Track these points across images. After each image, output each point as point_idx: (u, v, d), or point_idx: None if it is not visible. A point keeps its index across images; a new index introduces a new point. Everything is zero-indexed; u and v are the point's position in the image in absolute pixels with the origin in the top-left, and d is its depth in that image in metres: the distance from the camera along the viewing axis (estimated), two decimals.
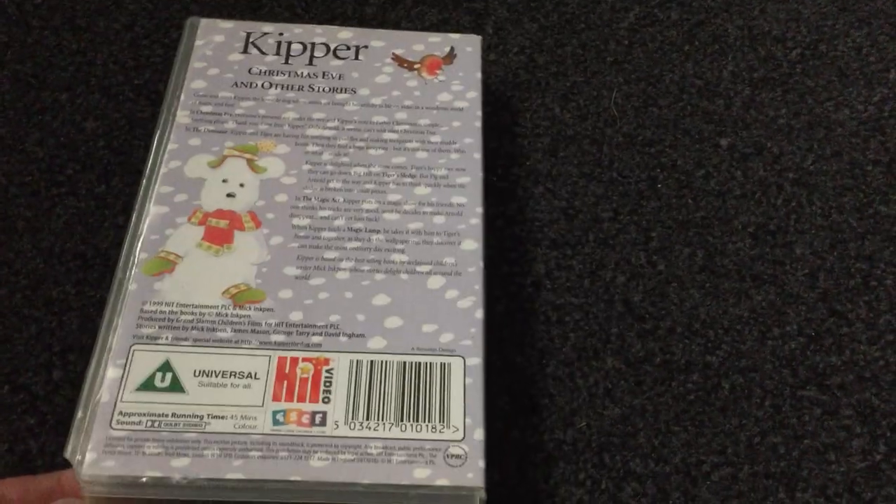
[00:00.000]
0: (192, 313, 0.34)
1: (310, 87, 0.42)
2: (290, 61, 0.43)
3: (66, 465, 0.31)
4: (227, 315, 0.34)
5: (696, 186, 0.47)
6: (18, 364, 0.39)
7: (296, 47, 0.43)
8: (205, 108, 0.40)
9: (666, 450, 0.38)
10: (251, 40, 0.43)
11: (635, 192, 0.47)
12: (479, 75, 0.43)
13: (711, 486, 0.37)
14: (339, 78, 0.42)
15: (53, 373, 0.39)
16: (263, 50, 0.43)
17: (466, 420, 0.32)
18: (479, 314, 0.35)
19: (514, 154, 0.48)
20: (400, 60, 0.43)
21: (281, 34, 0.44)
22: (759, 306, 0.43)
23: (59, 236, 0.43)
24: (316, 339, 0.34)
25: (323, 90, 0.42)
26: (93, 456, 0.30)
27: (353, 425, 0.32)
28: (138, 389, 0.32)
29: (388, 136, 0.40)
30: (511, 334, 0.41)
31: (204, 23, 0.44)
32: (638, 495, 0.37)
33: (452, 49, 0.44)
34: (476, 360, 0.34)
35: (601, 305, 0.42)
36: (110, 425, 0.31)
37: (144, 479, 0.30)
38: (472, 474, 0.31)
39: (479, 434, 0.32)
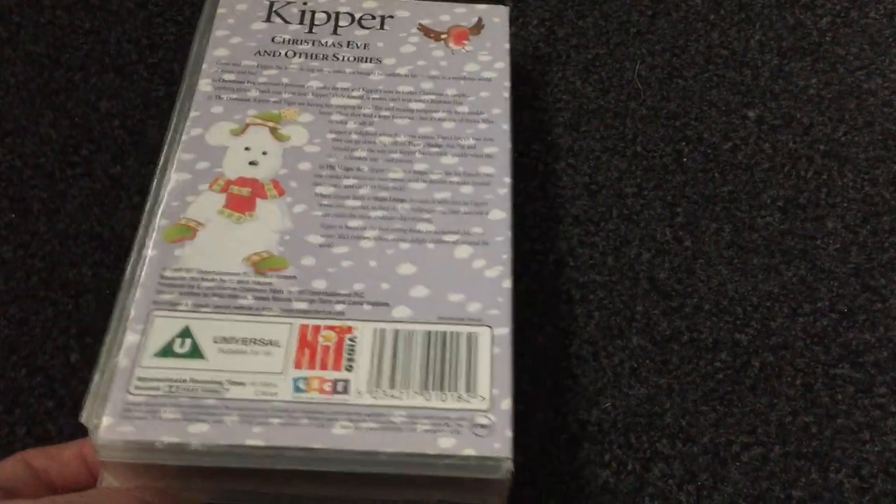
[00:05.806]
0: (213, 280, 0.34)
1: (334, 56, 0.41)
2: (314, 30, 0.42)
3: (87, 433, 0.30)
4: (248, 282, 0.34)
5: (724, 160, 0.46)
6: (35, 347, 0.39)
7: (320, 16, 0.43)
8: (227, 77, 0.40)
9: (694, 430, 0.37)
10: (274, 9, 0.43)
11: (660, 166, 0.45)
12: (506, 46, 0.43)
13: (741, 467, 0.36)
14: (365, 47, 0.42)
15: (70, 355, 0.38)
16: (287, 19, 0.43)
17: (493, 390, 0.32)
18: (507, 284, 0.34)
19: (534, 129, 0.47)
20: (426, 31, 0.43)
21: (305, 3, 0.43)
22: (789, 282, 0.41)
23: (74, 218, 0.43)
24: (339, 307, 0.33)
25: (348, 59, 0.41)
26: (110, 420, 0.30)
27: (376, 394, 0.31)
28: (157, 355, 0.32)
29: (414, 105, 0.40)
30: (533, 313, 0.40)
31: None
32: (665, 476, 0.36)
33: (480, 20, 0.44)
34: (504, 330, 0.33)
35: (626, 283, 0.41)
36: (128, 390, 0.31)
37: (161, 445, 0.30)
38: (499, 444, 0.30)
39: (506, 404, 0.31)
